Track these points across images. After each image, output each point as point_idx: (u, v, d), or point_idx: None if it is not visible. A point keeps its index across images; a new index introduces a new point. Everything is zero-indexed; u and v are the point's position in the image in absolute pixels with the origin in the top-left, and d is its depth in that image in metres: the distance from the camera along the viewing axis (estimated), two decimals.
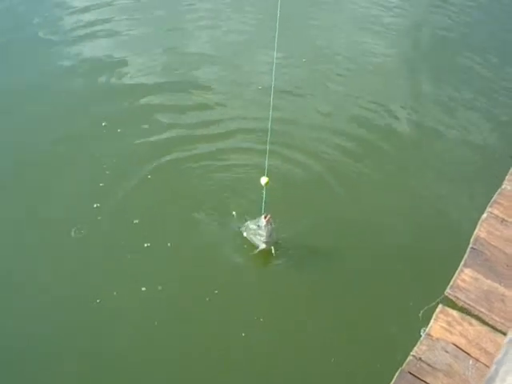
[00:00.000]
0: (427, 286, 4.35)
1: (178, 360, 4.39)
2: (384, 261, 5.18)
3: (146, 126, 6.59)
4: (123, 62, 7.75)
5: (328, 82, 7.63)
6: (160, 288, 4.77)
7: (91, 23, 8.56)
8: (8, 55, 7.84)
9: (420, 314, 4.02)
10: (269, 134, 4.72)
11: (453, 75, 7.90)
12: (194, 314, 4.70)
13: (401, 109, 7.17)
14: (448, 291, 4.00)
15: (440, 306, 3.95)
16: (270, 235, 4.84)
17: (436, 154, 6.52)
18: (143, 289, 4.77)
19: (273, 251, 5.06)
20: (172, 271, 4.99)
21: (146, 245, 5.13)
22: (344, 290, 4.95)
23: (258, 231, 4.90)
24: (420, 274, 5.00)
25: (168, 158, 6.11)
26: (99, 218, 5.36)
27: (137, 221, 5.36)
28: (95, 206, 5.45)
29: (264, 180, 4.77)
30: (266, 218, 4.76)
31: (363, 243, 5.32)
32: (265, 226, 4.77)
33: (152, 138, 6.41)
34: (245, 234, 5.19)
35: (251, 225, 5.04)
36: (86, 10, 8.86)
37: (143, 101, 7.06)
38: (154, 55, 8.01)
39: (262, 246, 4.98)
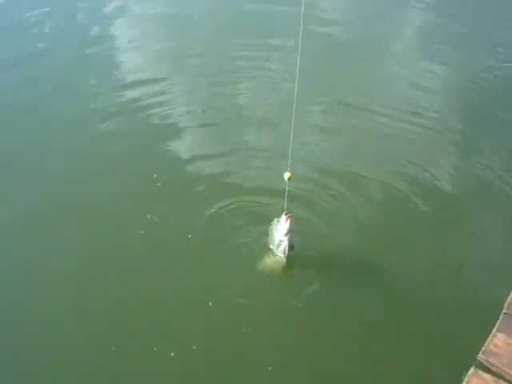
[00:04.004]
0: (458, 350, 4.49)
1: None
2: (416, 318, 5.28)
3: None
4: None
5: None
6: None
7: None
8: None
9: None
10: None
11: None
12: None
13: None
14: (480, 356, 4.10)
15: (472, 368, 4.07)
16: (287, 232, 5.14)
17: (473, 217, 6.61)
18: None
19: (284, 260, 5.37)
20: None
21: None
22: (376, 339, 5.07)
23: (277, 227, 5.23)
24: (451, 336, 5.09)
25: None
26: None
27: None
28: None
29: (287, 175, 5.07)
30: (286, 214, 5.11)
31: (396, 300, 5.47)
32: (285, 221, 5.10)
33: None
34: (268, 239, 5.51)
35: (275, 221, 5.36)
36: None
37: None
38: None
39: (281, 245, 5.27)
